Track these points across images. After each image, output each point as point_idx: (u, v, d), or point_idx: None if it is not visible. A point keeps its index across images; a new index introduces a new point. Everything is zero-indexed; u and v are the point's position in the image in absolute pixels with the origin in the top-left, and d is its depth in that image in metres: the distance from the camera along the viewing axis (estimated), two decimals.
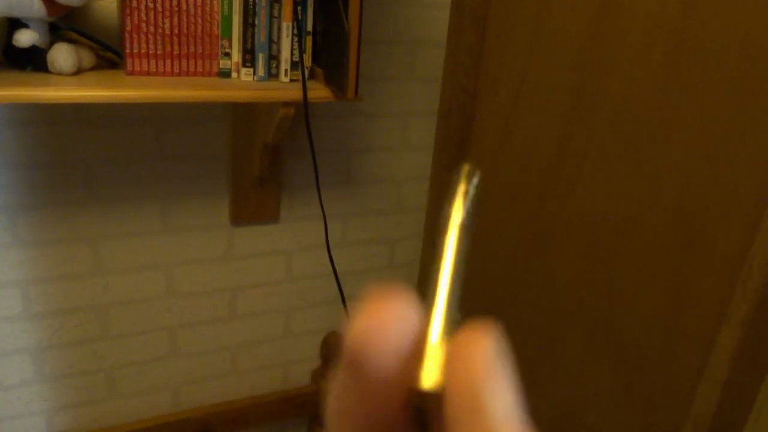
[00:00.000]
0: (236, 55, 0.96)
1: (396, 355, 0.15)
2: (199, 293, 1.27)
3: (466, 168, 0.19)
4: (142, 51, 0.91)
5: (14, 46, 0.83)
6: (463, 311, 0.17)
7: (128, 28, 0.89)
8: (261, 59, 0.97)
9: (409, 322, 0.15)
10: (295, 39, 0.97)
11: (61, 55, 0.85)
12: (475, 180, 0.19)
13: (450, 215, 0.17)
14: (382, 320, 0.15)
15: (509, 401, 0.14)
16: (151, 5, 0.89)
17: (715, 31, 0.64)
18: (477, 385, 0.14)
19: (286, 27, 0.96)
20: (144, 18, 0.89)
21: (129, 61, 0.91)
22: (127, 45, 0.90)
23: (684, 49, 0.67)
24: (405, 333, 0.15)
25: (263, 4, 0.94)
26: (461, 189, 0.18)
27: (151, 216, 1.16)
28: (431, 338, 0.16)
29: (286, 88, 0.95)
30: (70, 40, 0.89)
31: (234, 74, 0.97)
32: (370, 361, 0.15)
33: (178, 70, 0.94)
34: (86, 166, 1.08)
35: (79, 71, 0.88)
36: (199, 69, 0.95)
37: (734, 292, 0.59)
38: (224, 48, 0.96)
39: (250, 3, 0.94)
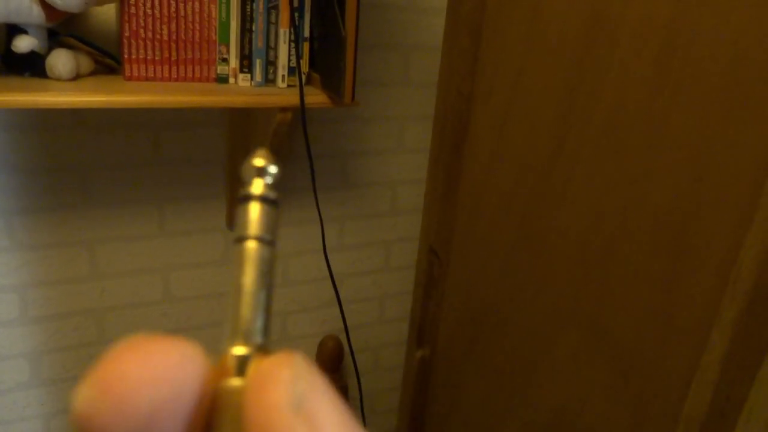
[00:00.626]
0: (234, 61, 0.97)
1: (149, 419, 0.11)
2: (196, 297, 1.27)
3: (258, 158, 0.14)
4: (140, 57, 0.92)
5: (13, 51, 0.84)
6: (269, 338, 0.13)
7: (126, 34, 0.90)
8: (258, 65, 0.98)
9: (165, 375, 0.12)
10: (293, 45, 0.98)
11: (60, 61, 0.85)
12: (271, 172, 0.14)
13: (245, 228, 0.14)
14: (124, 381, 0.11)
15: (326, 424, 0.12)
16: (149, 11, 0.90)
17: (704, 38, 0.65)
18: (275, 425, 0.12)
19: (284, 33, 0.97)
20: (142, 24, 0.90)
21: (127, 66, 0.91)
22: (126, 51, 0.91)
23: (674, 55, 0.68)
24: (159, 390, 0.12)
25: (261, 10, 0.95)
26: (255, 188, 0.14)
27: (148, 220, 1.17)
28: (227, 381, 0.13)
29: (283, 94, 0.96)
30: (68, 46, 0.89)
31: (231, 80, 0.98)
32: None
33: (176, 76, 0.94)
34: (84, 170, 1.09)
35: (77, 77, 0.89)
36: (197, 75, 0.96)
37: (725, 293, 0.60)
38: (222, 54, 0.96)
39: (248, 9, 0.95)
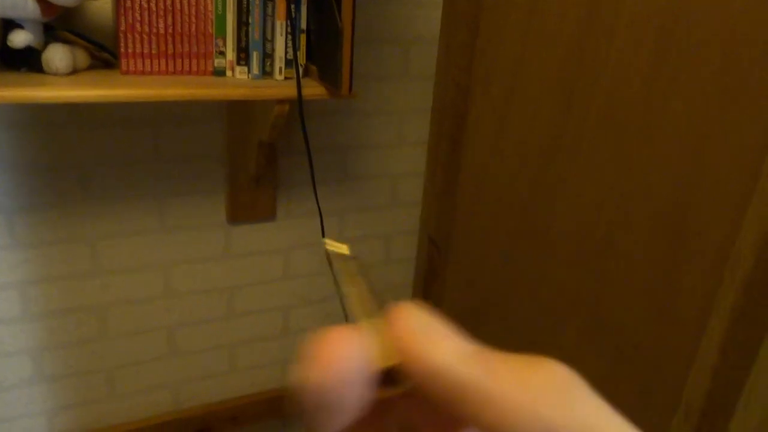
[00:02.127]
0: (231, 54, 0.97)
1: (354, 393, 0.16)
2: (197, 292, 1.27)
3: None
4: (137, 51, 0.92)
5: (9, 47, 0.84)
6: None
7: (122, 28, 0.90)
8: (255, 57, 0.98)
9: (357, 361, 0.16)
10: (289, 37, 0.98)
11: (57, 56, 0.85)
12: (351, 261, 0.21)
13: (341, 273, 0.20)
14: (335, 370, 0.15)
15: (446, 344, 0.15)
16: (145, 5, 0.90)
17: (701, 28, 0.65)
18: (410, 341, 0.15)
19: (280, 25, 0.97)
20: (138, 18, 0.90)
21: (124, 60, 0.91)
22: (122, 45, 0.90)
23: (671, 45, 0.68)
24: (358, 373, 0.16)
25: (257, 2, 0.95)
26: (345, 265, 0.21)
27: (148, 216, 1.17)
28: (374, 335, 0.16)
29: (280, 86, 0.96)
30: (65, 41, 0.89)
31: (229, 73, 0.98)
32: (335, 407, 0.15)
33: (172, 70, 0.94)
34: (83, 166, 1.09)
35: (74, 71, 0.89)
36: (194, 68, 0.96)
37: (723, 279, 0.60)
38: (219, 47, 0.96)
39: (244, 2, 0.95)
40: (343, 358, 0.15)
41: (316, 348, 0.16)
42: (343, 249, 0.21)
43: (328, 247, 0.21)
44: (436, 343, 0.15)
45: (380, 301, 0.19)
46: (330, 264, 0.21)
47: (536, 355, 0.16)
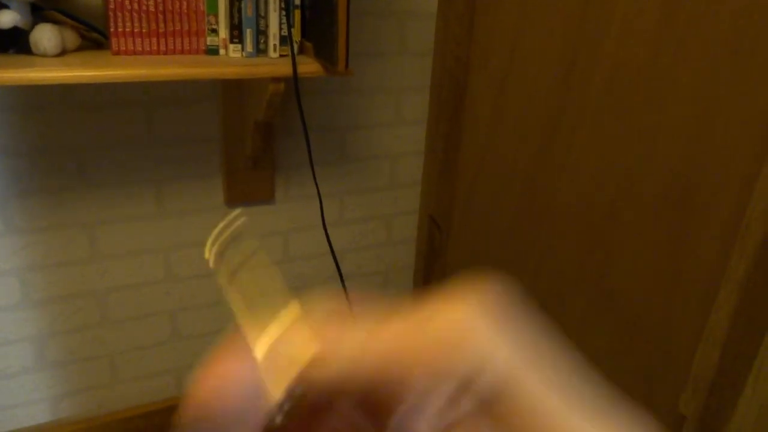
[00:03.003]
0: (223, 32, 0.95)
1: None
2: (197, 276, 1.26)
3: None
4: (127, 30, 0.89)
5: None
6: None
7: (112, 6, 0.87)
8: (249, 35, 0.95)
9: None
10: (283, 13, 0.95)
11: (45, 36, 0.83)
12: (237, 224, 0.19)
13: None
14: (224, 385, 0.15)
15: (335, 359, 0.16)
16: None
17: None
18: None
19: (274, 1, 0.94)
20: None
21: (114, 40, 0.89)
22: (112, 24, 0.88)
23: (678, 9, 0.65)
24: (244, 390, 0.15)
25: None
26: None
27: (145, 200, 1.16)
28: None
29: (275, 64, 0.94)
30: (53, 21, 0.87)
31: (222, 51, 0.96)
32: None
33: (164, 49, 0.92)
34: (78, 151, 1.07)
35: (63, 52, 0.87)
36: (186, 47, 0.93)
37: (732, 251, 0.58)
38: (211, 24, 0.94)
39: None
40: (227, 382, 0.15)
41: (206, 365, 0.15)
42: (209, 250, 0.19)
43: (207, 255, 0.19)
44: (326, 363, 0.15)
45: (271, 295, 0.17)
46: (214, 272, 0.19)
47: (448, 291, 0.15)
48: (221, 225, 0.19)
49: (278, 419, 0.15)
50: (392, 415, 0.15)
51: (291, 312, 0.17)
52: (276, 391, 0.15)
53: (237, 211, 0.20)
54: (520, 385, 0.14)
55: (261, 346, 0.16)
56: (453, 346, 0.14)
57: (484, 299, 0.15)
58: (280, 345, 0.16)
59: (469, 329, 0.14)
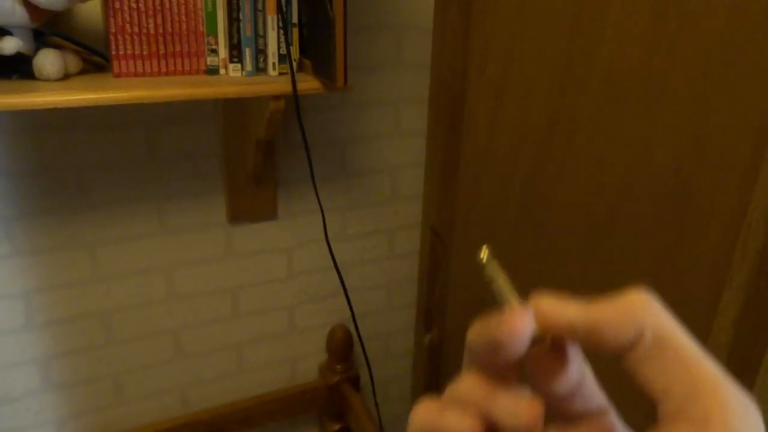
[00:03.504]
0: (223, 52, 0.96)
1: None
2: (200, 294, 1.27)
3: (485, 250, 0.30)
4: (128, 52, 0.90)
5: None
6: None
7: (112, 29, 0.88)
8: (248, 54, 0.96)
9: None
10: (281, 31, 0.96)
11: (47, 61, 0.84)
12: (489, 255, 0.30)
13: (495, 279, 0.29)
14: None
15: (565, 309, 0.26)
16: (134, 5, 0.89)
17: None
18: (547, 313, 0.26)
19: (272, 20, 0.96)
20: (128, 19, 0.89)
21: (115, 63, 0.90)
22: (113, 47, 0.89)
23: (669, 11, 0.66)
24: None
25: None
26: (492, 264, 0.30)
27: (147, 219, 1.16)
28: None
29: (275, 82, 0.95)
30: (55, 46, 0.88)
31: (222, 71, 0.97)
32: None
33: (165, 70, 0.93)
34: (79, 172, 1.08)
35: (66, 76, 0.88)
36: (187, 67, 0.95)
37: (734, 253, 0.59)
38: (210, 45, 0.95)
39: None
40: (524, 329, 0.24)
41: (504, 319, 0.24)
42: (484, 252, 0.30)
43: (481, 255, 0.30)
44: (560, 311, 0.25)
45: (515, 289, 0.28)
46: (484, 266, 0.29)
47: (621, 292, 0.25)
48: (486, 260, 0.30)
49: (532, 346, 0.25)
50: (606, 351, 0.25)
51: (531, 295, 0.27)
52: (536, 331, 0.25)
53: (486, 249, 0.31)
54: (677, 336, 0.24)
55: (526, 310, 0.25)
56: (637, 309, 0.24)
57: (647, 292, 0.25)
58: (536, 302, 0.26)
59: (646, 303, 0.24)
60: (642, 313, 0.23)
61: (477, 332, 0.26)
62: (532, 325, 0.24)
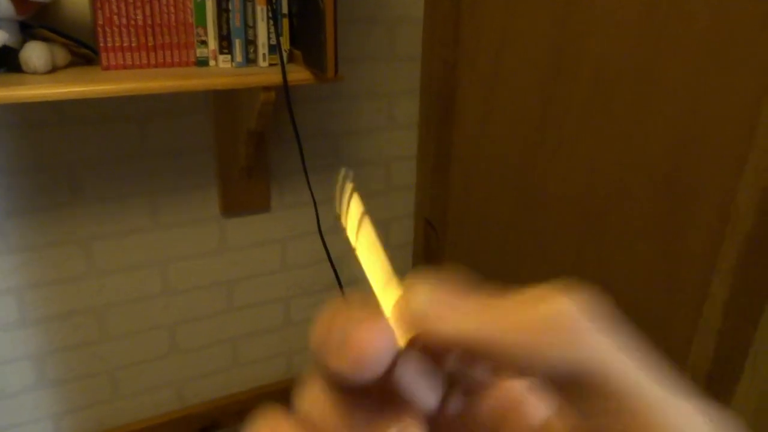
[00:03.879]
0: (212, 43, 0.95)
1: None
2: (195, 288, 1.26)
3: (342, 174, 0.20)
4: (117, 44, 0.90)
5: None
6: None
7: (100, 21, 0.88)
8: (238, 45, 0.96)
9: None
10: (271, 22, 0.96)
11: (34, 54, 0.83)
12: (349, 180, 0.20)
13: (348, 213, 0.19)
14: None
15: (452, 316, 0.17)
16: None
17: None
18: (419, 321, 0.17)
19: (261, 10, 0.95)
20: (115, 10, 0.88)
21: (104, 55, 0.90)
22: (101, 39, 0.89)
23: (658, 5, 0.66)
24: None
25: None
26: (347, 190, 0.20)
27: (140, 213, 1.16)
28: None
29: (265, 73, 0.94)
30: (42, 38, 0.87)
31: (212, 62, 0.96)
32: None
33: (154, 62, 0.93)
34: (71, 167, 1.07)
35: (53, 69, 0.87)
36: (176, 59, 0.94)
37: (723, 240, 0.59)
38: (200, 36, 0.94)
39: None
40: (378, 350, 0.16)
41: (347, 332, 0.16)
42: (350, 202, 0.20)
43: (342, 216, 0.20)
44: (443, 319, 0.16)
45: (387, 262, 0.19)
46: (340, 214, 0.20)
47: (547, 286, 0.16)
48: (339, 182, 0.20)
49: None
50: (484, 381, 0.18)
51: (410, 277, 0.18)
52: (401, 343, 0.17)
53: (344, 170, 0.20)
54: (628, 377, 0.15)
55: (388, 302, 0.17)
56: (560, 330, 0.15)
57: (585, 297, 0.16)
58: (403, 302, 0.17)
59: (576, 318, 0.15)
60: (560, 333, 0.15)
61: (319, 339, 0.17)
62: (392, 343, 0.16)
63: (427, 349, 0.17)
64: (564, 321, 0.15)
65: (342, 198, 0.20)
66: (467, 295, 0.17)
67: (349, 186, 0.20)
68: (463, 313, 0.16)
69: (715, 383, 0.61)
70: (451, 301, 0.17)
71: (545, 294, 0.16)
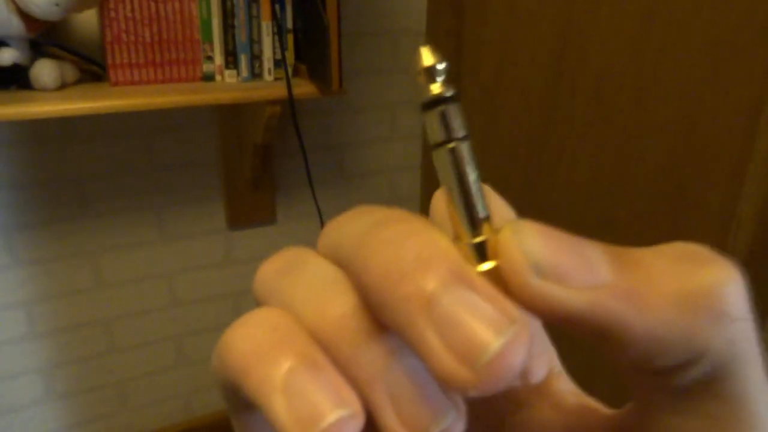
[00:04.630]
0: (219, 58, 0.97)
1: None
2: (202, 300, 1.27)
3: (425, 57, 0.14)
4: (125, 61, 0.91)
5: None
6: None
7: (108, 39, 0.89)
8: (244, 60, 0.97)
9: None
10: (276, 37, 0.97)
11: (44, 71, 0.85)
12: (442, 68, 0.14)
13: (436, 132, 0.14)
14: None
15: (575, 280, 0.12)
16: (130, 15, 0.90)
17: None
18: (531, 293, 0.12)
19: (266, 26, 0.97)
20: (124, 28, 0.90)
21: (112, 72, 0.91)
22: (109, 56, 0.90)
23: (659, 13, 0.67)
24: None
25: (241, 4, 0.94)
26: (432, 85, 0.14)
27: (147, 226, 1.17)
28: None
29: (270, 87, 0.96)
30: (52, 56, 0.89)
31: (218, 77, 0.98)
32: None
33: (162, 78, 0.94)
34: (79, 181, 1.09)
35: (63, 86, 0.89)
36: (183, 75, 0.95)
37: (725, 246, 0.59)
38: (206, 52, 0.96)
39: (228, 4, 0.94)
40: (515, 365, 0.11)
41: (460, 320, 0.11)
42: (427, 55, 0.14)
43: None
44: (562, 287, 0.12)
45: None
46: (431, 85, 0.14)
47: (691, 248, 0.13)
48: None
49: None
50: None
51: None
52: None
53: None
54: (750, 375, 0.13)
55: (483, 250, 0.13)
56: (714, 310, 0.12)
57: (738, 271, 0.13)
58: (514, 254, 0.12)
59: (734, 299, 0.12)
60: (718, 317, 0.12)
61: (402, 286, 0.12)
62: (526, 355, 0.12)
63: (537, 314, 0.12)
64: (726, 299, 0.12)
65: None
66: (589, 248, 0.13)
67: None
68: (593, 274, 0.12)
69: None
70: (572, 254, 0.12)
71: (697, 256, 0.13)
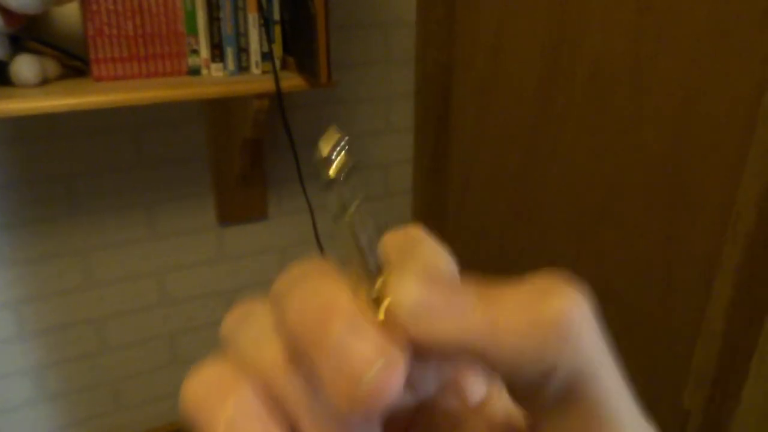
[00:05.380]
0: (204, 51, 0.95)
1: None
2: (194, 297, 1.26)
3: (330, 135, 0.17)
4: (108, 55, 0.89)
5: None
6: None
7: (91, 32, 0.87)
8: (230, 53, 0.95)
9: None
10: (263, 29, 0.95)
11: (24, 66, 0.83)
12: (342, 145, 0.17)
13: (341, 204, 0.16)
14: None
15: (445, 318, 0.15)
16: (112, 7, 0.87)
17: None
18: (408, 327, 0.15)
19: (253, 18, 0.94)
20: (106, 21, 0.87)
21: (95, 66, 0.89)
22: (92, 50, 0.88)
23: (654, 2, 0.65)
24: None
25: None
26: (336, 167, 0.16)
27: (137, 224, 1.15)
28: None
29: (258, 80, 0.94)
30: (33, 51, 0.87)
31: (204, 71, 0.96)
32: None
33: (146, 72, 0.92)
34: (66, 179, 1.07)
35: (44, 82, 0.86)
36: (168, 69, 0.93)
37: (725, 238, 0.58)
38: (191, 45, 0.94)
39: None
40: (391, 391, 0.14)
41: (343, 353, 0.14)
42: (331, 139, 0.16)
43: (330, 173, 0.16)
44: (437, 320, 0.15)
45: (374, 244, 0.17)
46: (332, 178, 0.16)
47: (546, 278, 0.15)
48: (328, 139, 0.17)
49: None
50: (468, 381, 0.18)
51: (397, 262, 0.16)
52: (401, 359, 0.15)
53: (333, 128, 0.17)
54: (598, 385, 0.15)
55: (374, 294, 0.15)
56: (565, 333, 0.14)
57: (583, 295, 0.15)
58: (393, 301, 0.15)
59: (573, 322, 0.14)
60: (561, 339, 0.14)
61: (300, 325, 0.15)
62: (400, 382, 0.14)
63: (419, 350, 0.15)
64: (568, 323, 0.14)
65: (333, 160, 0.16)
66: (459, 288, 0.15)
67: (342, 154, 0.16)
68: (460, 311, 0.15)
69: (720, 385, 0.59)
70: (443, 296, 0.15)
71: (546, 288, 0.15)
